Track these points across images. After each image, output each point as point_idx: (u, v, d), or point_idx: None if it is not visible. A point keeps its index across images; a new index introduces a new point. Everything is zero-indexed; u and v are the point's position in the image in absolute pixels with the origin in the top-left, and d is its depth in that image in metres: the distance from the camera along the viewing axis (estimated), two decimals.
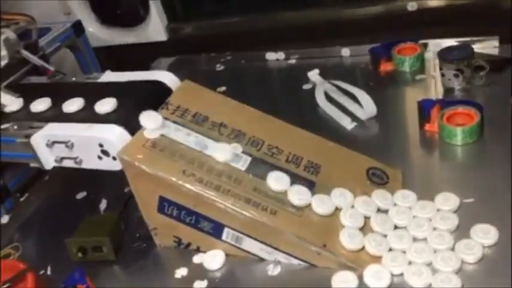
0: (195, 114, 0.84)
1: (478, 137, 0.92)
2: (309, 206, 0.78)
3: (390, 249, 0.78)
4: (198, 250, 0.83)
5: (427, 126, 0.96)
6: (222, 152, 0.80)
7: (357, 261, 0.75)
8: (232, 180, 0.78)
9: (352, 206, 0.82)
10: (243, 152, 0.82)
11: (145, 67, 1.29)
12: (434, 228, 0.79)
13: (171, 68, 1.35)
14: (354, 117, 1.03)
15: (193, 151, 0.80)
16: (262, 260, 0.79)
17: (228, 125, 0.84)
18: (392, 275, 0.74)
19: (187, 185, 0.77)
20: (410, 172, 0.88)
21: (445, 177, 0.88)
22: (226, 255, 0.80)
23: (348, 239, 0.77)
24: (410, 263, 0.75)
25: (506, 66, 1.08)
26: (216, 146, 0.81)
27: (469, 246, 0.75)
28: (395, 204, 0.84)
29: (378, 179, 0.88)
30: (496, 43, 1.14)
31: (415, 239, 0.78)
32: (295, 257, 0.79)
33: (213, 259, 0.80)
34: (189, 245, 0.85)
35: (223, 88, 1.24)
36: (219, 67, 1.35)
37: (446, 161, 0.93)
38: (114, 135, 0.82)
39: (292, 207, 0.78)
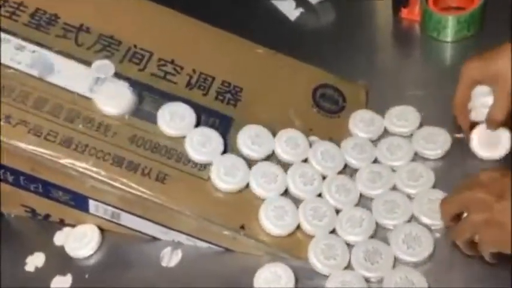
0: (34, 13, 0.59)
1: (478, 28, 0.72)
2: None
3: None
4: (62, 223, 0.61)
5: (404, 13, 0.77)
6: (78, 77, 0.56)
7: (291, 248, 0.53)
8: (94, 125, 0.55)
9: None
10: (116, 75, 0.58)
11: None
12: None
13: None
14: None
15: (28, 79, 0.56)
16: (155, 239, 0.58)
17: (92, 29, 0.60)
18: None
19: (16, 142, 0.52)
20: (380, 84, 0.68)
21: (432, 92, 0.66)
22: (102, 230, 0.59)
23: (274, 218, 0.52)
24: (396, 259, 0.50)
25: None
26: (67, 68, 0.56)
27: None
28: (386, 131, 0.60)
29: (329, 104, 0.65)
30: None
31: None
32: (202, 240, 0.53)
33: (80, 242, 0.59)
34: (48, 216, 0.60)
35: None
36: None
37: (431, 66, 0.72)
38: None
39: (193, 166, 0.55)
